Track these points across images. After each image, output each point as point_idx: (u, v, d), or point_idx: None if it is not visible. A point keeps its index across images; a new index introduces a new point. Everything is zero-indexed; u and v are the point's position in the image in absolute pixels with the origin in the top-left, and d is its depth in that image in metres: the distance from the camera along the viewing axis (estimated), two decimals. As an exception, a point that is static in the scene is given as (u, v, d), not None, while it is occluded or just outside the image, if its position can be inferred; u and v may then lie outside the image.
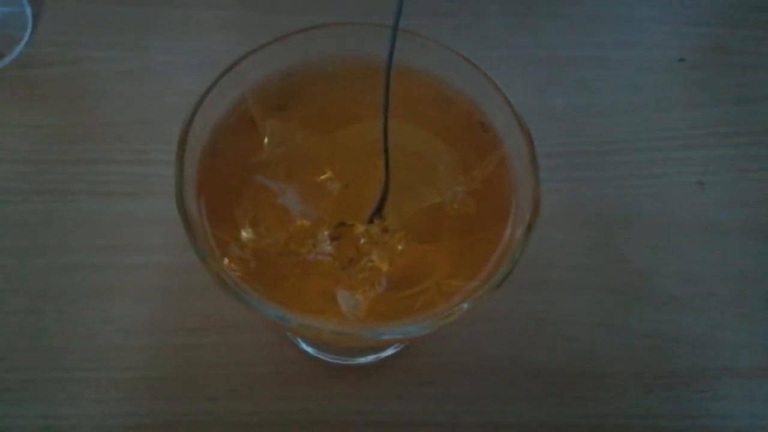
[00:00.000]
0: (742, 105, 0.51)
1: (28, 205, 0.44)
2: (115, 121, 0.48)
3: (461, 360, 0.41)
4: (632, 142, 0.49)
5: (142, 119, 0.48)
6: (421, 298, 0.29)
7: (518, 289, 0.42)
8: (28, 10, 0.52)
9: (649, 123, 0.50)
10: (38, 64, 0.50)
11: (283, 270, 0.29)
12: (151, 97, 0.49)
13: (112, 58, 0.51)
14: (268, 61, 0.32)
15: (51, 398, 0.38)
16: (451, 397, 0.40)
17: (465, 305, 0.26)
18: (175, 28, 0.53)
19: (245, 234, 0.29)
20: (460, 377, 0.40)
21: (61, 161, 0.46)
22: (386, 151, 0.28)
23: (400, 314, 0.29)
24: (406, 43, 0.29)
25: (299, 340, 0.41)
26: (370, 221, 0.30)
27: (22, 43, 0.51)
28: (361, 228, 0.30)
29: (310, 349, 0.40)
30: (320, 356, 0.40)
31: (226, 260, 0.28)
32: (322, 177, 0.31)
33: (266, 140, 0.32)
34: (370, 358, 0.41)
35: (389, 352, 0.41)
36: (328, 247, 0.29)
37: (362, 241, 0.30)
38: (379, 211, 0.30)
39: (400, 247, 0.30)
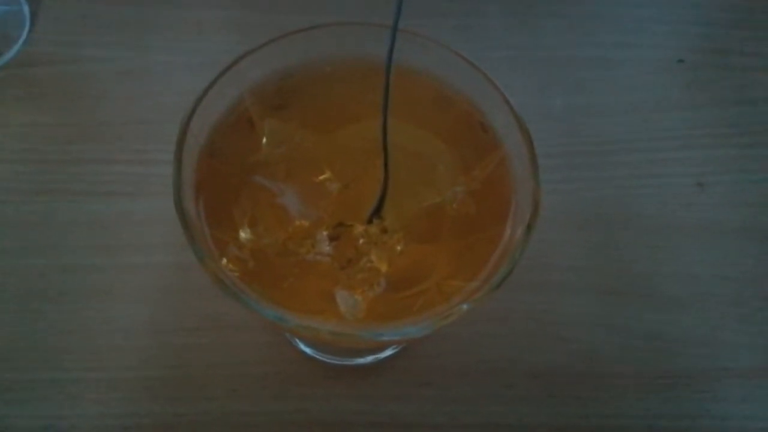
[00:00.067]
0: (741, 106, 0.51)
1: (27, 205, 0.44)
2: (115, 120, 0.48)
3: (460, 361, 0.41)
4: (632, 143, 0.49)
5: (142, 119, 0.48)
6: (420, 299, 0.28)
7: (518, 289, 0.42)
8: (26, 9, 0.52)
9: (649, 123, 0.50)
10: (36, 63, 0.50)
11: (282, 270, 0.29)
12: (150, 96, 0.49)
13: (112, 57, 0.51)
14: (267, 60, 0.32)
15: (50, 398, 0.38)
16: (450, 398, 0.40)
17: (465, 306, 0.26)
18: (175, 28, 0.53)
19: (244, 234, 0.29)
20: (459, 378, 0.40)
21: (61, 161, 0.46)
22: (385, 150, 0.28)
23: (399, 315, 0.29)
24: (406, 43, 0.29)
25: (298, 340, 0.41)
26: (370, 221, 0.30)
27: (20, 42, 0.51)
28: (360, 228, 0.30)
29: (308, 350, 0.40)
30: (318, 357, 0.40)
31: (224, 260, 0.28)
32: (321, 177, 0.31)
33: (265, 140, 0.32)
34: (369, 358, 0.40)
35: (388, 352, 0.41)
36: (327, 247, 0.29)
37: (361, 241, 0.30)
38: (378, 212, 0.30)
39: (399, 248, 0.30)
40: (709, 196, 0.47)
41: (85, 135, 0.47)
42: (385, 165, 0.28)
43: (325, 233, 0.30)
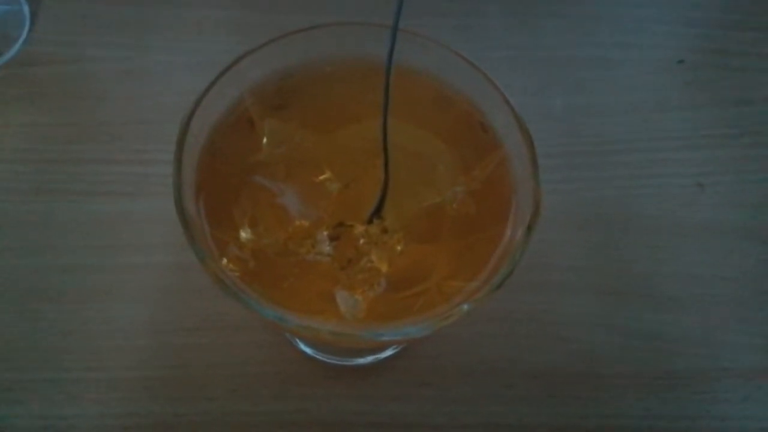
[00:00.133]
0: (741, 106, 0.51)
1: (27, 205, 0.44)
2: (115, 120, 0.48)
3: (460, 361, 0.41)
4: (632, 143, 0.49)
5: (142, 119, 0.48)
6: (420, 299, 0.28)
7: (518, 289, 0.42)
8: (26, 8, 0.52)
9: (649, 124, 0.50)
10: (36, 63, 0.50)
11: (282, 270, 0.29)
12: (150, 96, 0.49)
13: (112, 57, 0.51)
14: (267, 60, 0.32)
15: (50, 398, 0.38)
16: (451, 398, 0.40)
17: (465, 306, 0.26)
18: (175, 28, 0.53)
19: (244, 234, 0.29)
20: (459, 378, 0.40)
21: (61, 161, 0.46)
22: (386, 151, 0.28)
23: (399, 315, 0.29)
24: (406, 44, 0.29)
25: (298, 340, 0.41)
26: (370, 221, 0.30)
27: (20, 42, 0.51)
28: (360, 228, 0.30)
29: (308, 350, 0.40)
30: (319, 357, 0.40)
31: (224, 260, 0.28)
32: (322, 177, 0.31)
33: (265, 140, 0.32)
34: (369, 358, 0.40)
35: (388, 352, 0.41)
36: (327, 247, 0.29)
37: (361, 241, 0.30)
38: (378, 212, 0.30)
39: (399, 248, 0.30)
40: (709, 196, 0.47)
41: (85, 135, 0.47)
42: (386, 165, 0.28)
43: (325, 233, 0.30)
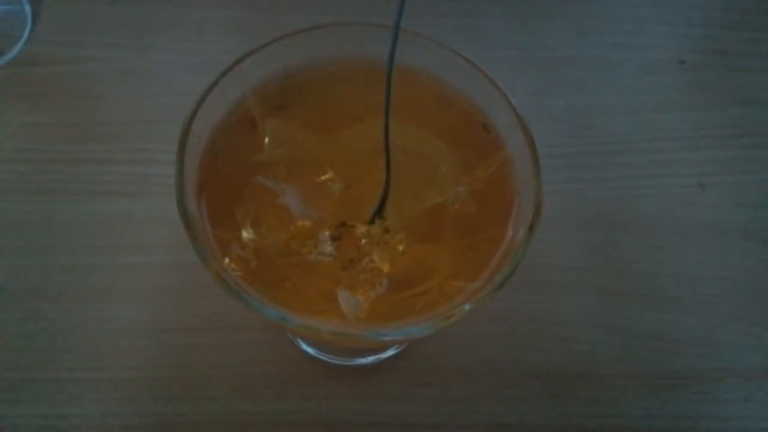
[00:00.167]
0: (742, 107, 0.51)
1: (27, 205, 0.44)
2: (115, 120, 0.48)
3: (461, 361, 0.41)
4: (633, 143, 0.49)
5: (142, 119, 0.48)
6: (422, 299, 0.28)
7: (519, 289, 0.42)
8: (28, 8, 0.52)
9: (650, 124, 0.50)
10: (37, 63, 0.50)
11: (284, 270, 0.29)
12: (151, 96, 0.49)
13: (112, 57, 0.51)
14: (269, 60, 0.32)
15: (51, 398, 0.38)
16: (452, 398, 0.40)
17: (466, 306, 0.26)
18: (175, 28, 0.53)
19: (246, 234, 0.29)
20: (460, 378, 0.40)
21: (61, 161, 0.46)
22: (387, 151, 0.28)
23: (401, 315, 0.29)
24: (407, 44, 0.29)
25: (299, 340, 0.41)
26: (372, 222, 0.30)
27: (21, 42, 0.51)
28: (362, 228, 0.30)
29: (310, 350, 0.40)
30: (320, 357, 0.40)
31: (226, 260, 0.28)
32: (323, 177, 0.31)
33: (267, 140, 0.32)
34: (370, 358, 0.40)
35: (389, 352, 0.41)
36: (329, 247, 0.29)
37: (363, 241, 0.30)
38: (380, 212, 0.30)
39: (401, 248, 0.30)
40: (710, 196, 0.47)
41: (86, 135, 0.47)
42: (387, 165, 0.28)
43: (327, 233, 0.30)
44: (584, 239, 0.45)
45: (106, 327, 0.40)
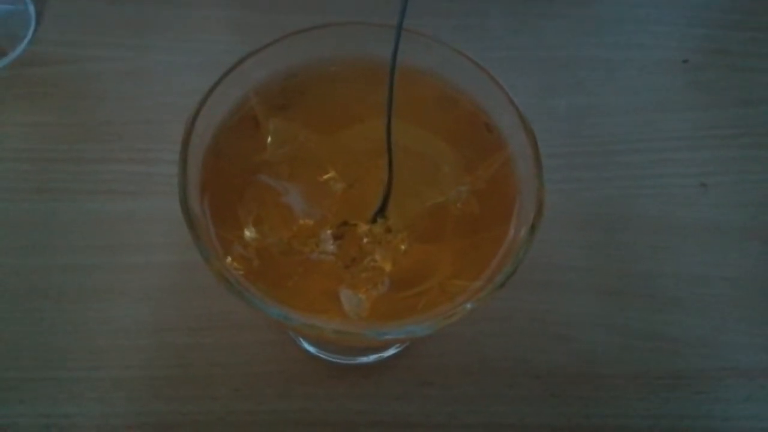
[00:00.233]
0: (744, 107, 0.51)
1: (28, 204, 0.44)
2: (116, 120, 0.48)
3: (463, 360, 0.41)
4: (634, 143, 0.49)
5: (144, 119, 0.48)
6: (424, 298, 0.29)
7: (520, 289, 0.42)
8: (31, 8, 0.52)
9: (652, 124, 0.50)
10: (41, 63, 0.50)
11: (286, 269, 0.29)
12: (152, 96, 0.49)
13: (114, 57, 0.51)
14: (271, 60, 0.32)
15: (52, 397, 0.38)
16: (453, 397, 0.40)
17: (468, 305, 0.26)
18: (175, 28, 0.53)
19: (248, 233, 0.29)
20: (461, 377, 0.40)
21: (62, 160, 0.46)
22: (389, 150, 0.28)
23: (402, 314, 0.29)
24: (409, 43, 0.29)
25: (301, 339, 0.41)
26: (374, 221, 0.30)
27: (25, 42, 0.51)
28: (364, 227, 0.30)
29: (311, 349, 0.40)
30: (322, 355, 0.40)
31: (229, 259, 0.28)
32: (326, 176, 0.31)
33: (269, 140, 0.32)
34: (372, 357, 0.41)
35: (391, 351, 0.41)
36: (331, 246, 0.29)
37: (365, 240, 0.30)
38: (382, 211, 0.30)
39: (403, 247, 0.30)
40: (711, 196, 0.47)
41: (87, 134, 0.47)
42: (389, 165, 0.28)
43: (329, 232, 0.30)
44: (585, 239, 0.45)
45: (107, 326, 0.41)
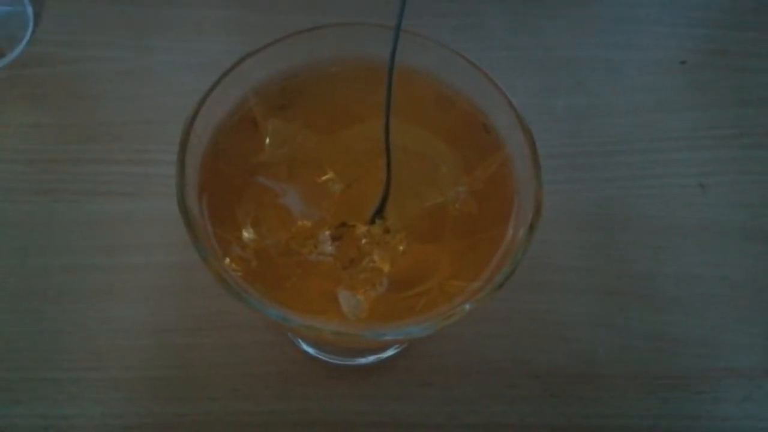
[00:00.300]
0: (743, 107, 0.51)
1: (27, 205, 0.44)
2: (115, 120, 0.48)
3: (462, 360, 0.41)
4: (633, 144, 0.49)
5: (143, 119, 0.48)
6: (422, 299, 0.29)
7: (519, 289, 0.42)
8: (30, 9, 0.52)
9: (651, 124, 0.50)
10: (39, 64, 0.50)
11: (285, 270, 0.29)
12: (151, 96, 0.49)
13: (113, 57, 0.51)
14: (270, 61, 0.32)
15: (51, 398, 0.38)
16: (452, 397, 0.40)
17: (467, 306, 0.26)
18: (175, 28, 0.53)
19: (247, 234, 0.29)
20: (461, 378, 0.40)
21: (61, 161, 0.46)
22: (388, 151, 0.28)
23: (401, 315, 0.29)
24: (408, 44, 0.29)
25: (300, 340, 0.41)
26: (372, 222, 0.30)
27: (23, 42, 0.51)
28: (362, 228, 0.30)
29: (310, 350, 0.40)
30: (321, 356, 0.40)
31: (227, 260, 0.28)
32: (324, 177, 0.31)
33: (268, 140, 0.32)
34: (371, 358, 0.40)
35: (390, 352, 0.41)
36: (329, 247, 0.29)
37: (364, 241, 0.30)
38: (380, 212, 0.30)
39: (401, 248, 0.30)
40: (711, 196, 0.47)
41: (86, 135, 0.47)
42: (388, 165, 0.28)
43: (327, 233, 0.30)
44: (584, 239, 0.45)
45: (106, 327, 0.41)
